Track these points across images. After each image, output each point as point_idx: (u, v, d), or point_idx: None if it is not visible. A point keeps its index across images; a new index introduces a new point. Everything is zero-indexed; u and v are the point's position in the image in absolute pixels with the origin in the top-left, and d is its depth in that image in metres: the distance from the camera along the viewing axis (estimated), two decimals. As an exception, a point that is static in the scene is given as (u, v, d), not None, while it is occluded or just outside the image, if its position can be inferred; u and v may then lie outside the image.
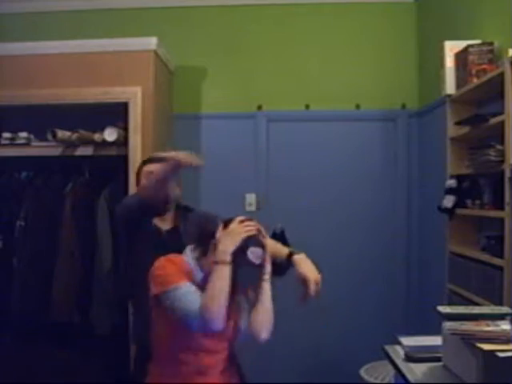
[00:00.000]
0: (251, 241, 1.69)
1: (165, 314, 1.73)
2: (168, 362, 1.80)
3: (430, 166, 3.35)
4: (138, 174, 2.42)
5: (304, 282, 1.91)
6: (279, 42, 3.64)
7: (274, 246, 2.05)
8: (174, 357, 1.78)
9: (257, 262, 1.69)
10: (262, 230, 1.77)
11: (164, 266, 1.76)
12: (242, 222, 1.72)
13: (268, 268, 1.77)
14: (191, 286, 1.69)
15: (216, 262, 1.66)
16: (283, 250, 2.05)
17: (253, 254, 1.68)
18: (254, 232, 1.72)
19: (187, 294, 1.67)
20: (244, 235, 1.68)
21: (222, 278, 1.64)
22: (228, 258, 1.65)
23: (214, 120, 3.65)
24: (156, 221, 2.29)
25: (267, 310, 1.79)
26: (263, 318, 1.78)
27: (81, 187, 3.11)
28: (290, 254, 2.02)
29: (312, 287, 1.89)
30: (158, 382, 1.81)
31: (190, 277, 1.73)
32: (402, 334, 1.88)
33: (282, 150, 3.62)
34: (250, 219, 1.76)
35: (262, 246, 1.72)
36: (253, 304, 1.80)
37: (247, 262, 1.67)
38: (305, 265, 1.97)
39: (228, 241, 1.68)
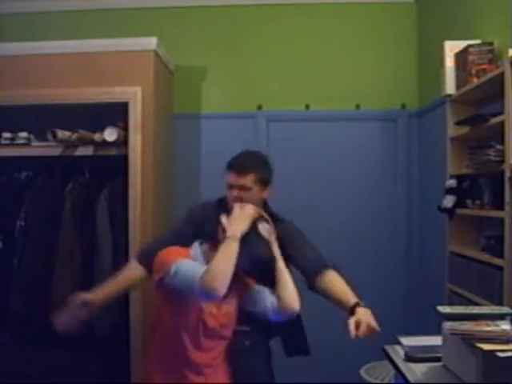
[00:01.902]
0: (259, 219, 1.81)
1: (168, 303, 1.75)
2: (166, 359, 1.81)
3: (430, 165, 3.35)
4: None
5: (357, 323, 1.88)
6: (279, 42, 3.64)
7: (344, 289, 2.03)
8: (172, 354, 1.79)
9: (267, 236, 1.80)
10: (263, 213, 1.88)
11: (168, 252, 1.79)
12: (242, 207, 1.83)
13: (275, 244, 1.85)
14: (193, 261, 1.76)
15: (226, 237, 1.71)
16: (351, 298, 1.99)
17: (263, 229, 1.79)
18: (260, 213, 1.83)
19: (190, 265, 1.73)
20: (253, 216, 1.80)
21: (230, 250, 1.69)
22: (238, 234, 1.72)
23: (214, 120, 3.64)
24: None
25: (290, 284, 1.84)
26: (289, 291, 1.83)
27: (81, 187, 3.11)
28: (356, 305, 1.95)
29: (362, 328, 1.86)
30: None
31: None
32: (402, 334, 1.88)
33: (282, 150, 3.62)
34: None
35: (269, 223, 1.84)
36: (271, 285, 1.85)
37: (258, 236, 1.76)
38: (366, 316, 1.92)
39: (239, 222, 1.76)
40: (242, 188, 2.09)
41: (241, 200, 2.05)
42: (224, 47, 3.66)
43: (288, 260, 1.98)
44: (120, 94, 2.95)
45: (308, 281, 2.09)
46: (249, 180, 2.09)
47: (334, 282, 2.07)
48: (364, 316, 1.90)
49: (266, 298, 1.84)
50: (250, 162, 2.14)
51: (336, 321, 3.51)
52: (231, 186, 2.11)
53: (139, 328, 2.87)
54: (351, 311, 1.94)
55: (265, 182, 2.13)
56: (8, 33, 3.48)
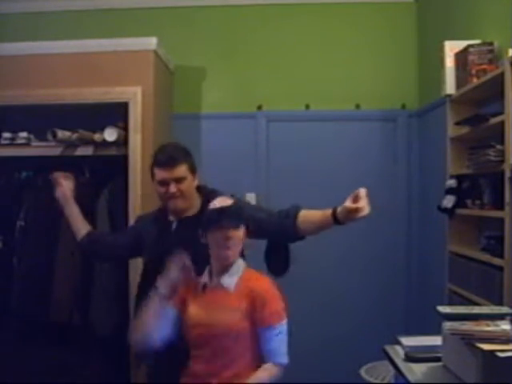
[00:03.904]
0: None
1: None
2: None
3: (430, 165, 3.35)
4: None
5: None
6: (279, 42, 3.64)
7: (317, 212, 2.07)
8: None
9: None
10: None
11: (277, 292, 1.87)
12: None
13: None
14: None
15: None
16: (327, 211, 2.01)
17: None
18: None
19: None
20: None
21: None
22: None
23: (214, 120, 3.65)
24: None
25: None
26: None
27: (81, 187, 3.10)
28: (334, 212, 1.97)
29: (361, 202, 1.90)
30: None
31: None
32: (402, 334, 1.88)
33: (282, 150, 3.62)
34: None
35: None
36: None
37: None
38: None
39: None
40: (178, 180, 2.09)
41: (180, 193, 2.08)
42: (224, 47, 3.66)
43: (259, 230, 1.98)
44: (120, 94, 2.95)
45: (290, 232, 2.08)
46: (182, 170, 2.11)
47: (307, 216, 2.09)
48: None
49: None
50: (178, 152, 2.15)
51: (336, 321, 3.54)
52: (165, 182, 2.10)
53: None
54: (334, 216, 1.97)
55: (195, 169, 2.17)
56: (8, 33, 3.48)
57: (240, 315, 1.79)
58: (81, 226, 2.34)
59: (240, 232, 1.83)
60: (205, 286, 1.87)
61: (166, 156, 2.11)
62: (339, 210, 1.95)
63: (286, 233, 2.07)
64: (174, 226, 2.16)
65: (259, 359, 1.82)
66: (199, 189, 2.21)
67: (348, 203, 1.91)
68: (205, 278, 1.88)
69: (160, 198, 2.17)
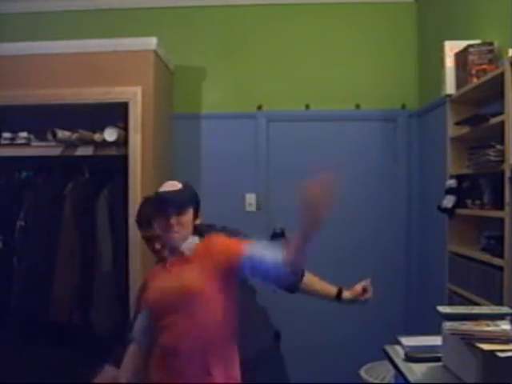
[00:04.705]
0: None
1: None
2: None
3: (430, 165, 3.34)
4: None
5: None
6: (279, 42, 3.64)
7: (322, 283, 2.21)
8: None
9: None
10: None
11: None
12: None
13: None
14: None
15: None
16: (332, 290, 2.18)
17: None
18: None
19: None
20: None
21: None
22: None
23: (213, 120, 3.65)
24: None
25: None
26: None
27: (81, 187, 3.11)
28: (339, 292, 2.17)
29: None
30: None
31: None
32: (402, 334, 1.88)
33: (282, 150, 3.62)
34: None
35: None
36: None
37: None
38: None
39: None
40: (153, 238, 2.04)
41: (159, 252, 2.01)
42: (224, 47, 3.66)
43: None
44: (120, 94, 2.95)
45: (291, 287, 2.15)
46: (150, 230, 2.02)
47: (312, 280, 2.19)
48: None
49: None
50: (146, 211, 2.09)
51: (336, 321, 3.54)
52: (146, 240, 2.09)
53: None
54: (338, 296, 2.17)
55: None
56: (8, 33, 3.48)
57: (205, 276, 1.75)
58: None
59: (185, 216, 1.81)
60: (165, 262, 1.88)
61: (139, 214, 2.16)
62: (347, 294, 2.18)
63: (287, 285, 2.10)
64: None
65: (231, 327, 1.79)
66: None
67: (358, 290, 2.20)
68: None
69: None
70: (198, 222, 1.87)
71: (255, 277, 1.79)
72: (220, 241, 1.82)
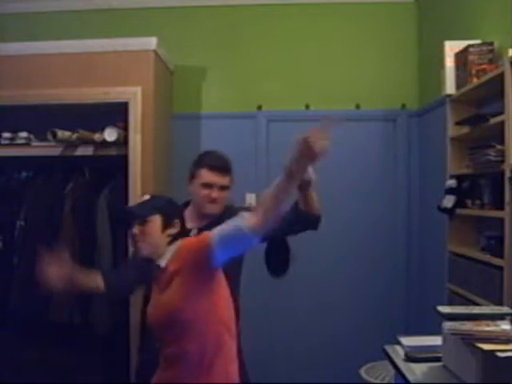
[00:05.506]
0: None
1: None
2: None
3: (430, 166, 3.34)
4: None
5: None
6: (279, 42, 3.64)
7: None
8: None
9: None
10: None
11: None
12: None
13: None
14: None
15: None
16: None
17: None
18: None
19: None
20: None
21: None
22: None
23: (213, 120, 3.64)
24: None
25: None
26: None
27: (81, 187, 3.11)
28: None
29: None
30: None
31: None
32: (402, 334, 1.88)
33: (282, 150, 3.60)
34: None
35: None
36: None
37: None
38: None
39: None
40: (223, 188, 2.11)
41: (220, 200, 2.09)
42: (224, 47, 3.66)
43: None
44: (120, 94, 2.95)
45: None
46: (229, 180, 2.14)
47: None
48: None
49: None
50: (228, 162, 2.17)
51: (336, 321, 3.54)
52: (210, 186, 2.10)
53: (139, 327, 2.87)
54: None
55: (232, 183, 2.18)
56: (8, 33, 3.48)
57: (185, 287, 1.73)
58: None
59: (148, 225, 1.79)
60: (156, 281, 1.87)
61: (222, 162, 2.14)
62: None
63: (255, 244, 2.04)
64: (193, 233, 2.08)
65: (225, 321, 1.79)
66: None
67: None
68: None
69: (197, 200, 2.14)
70: (174, 230, 1.82)
71: (232, 254, 1.72)
72: (186, 243, 1.80)
